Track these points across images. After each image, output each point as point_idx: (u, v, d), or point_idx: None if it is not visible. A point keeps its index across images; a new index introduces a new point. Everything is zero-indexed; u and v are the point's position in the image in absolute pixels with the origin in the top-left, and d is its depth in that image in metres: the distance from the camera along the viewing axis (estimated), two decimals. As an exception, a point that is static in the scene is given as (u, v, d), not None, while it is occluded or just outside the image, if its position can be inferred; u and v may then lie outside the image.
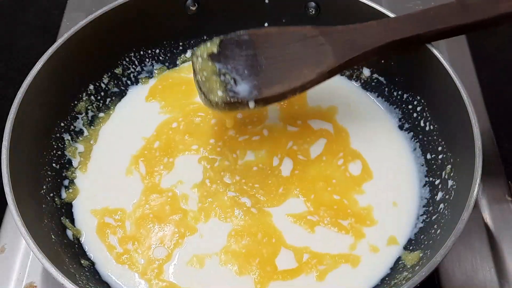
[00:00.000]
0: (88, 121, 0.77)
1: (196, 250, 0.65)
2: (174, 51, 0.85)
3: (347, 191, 0.70)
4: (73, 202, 0.70)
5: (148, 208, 0.69)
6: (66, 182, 0.72)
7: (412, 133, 0.75)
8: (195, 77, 0.66)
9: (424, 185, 0.70)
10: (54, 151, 0.71)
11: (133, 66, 0.82)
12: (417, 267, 0.58)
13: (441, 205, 0.65)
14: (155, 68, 0.84)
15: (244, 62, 0.66)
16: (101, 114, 0.79)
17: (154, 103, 0.80)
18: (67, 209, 0.69)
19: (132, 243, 0.66)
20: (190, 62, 0.83)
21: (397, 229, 0.67)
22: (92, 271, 0.64)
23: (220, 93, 0.63)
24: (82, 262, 0.64)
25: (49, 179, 0.69)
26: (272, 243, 0.66)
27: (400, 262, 0.64)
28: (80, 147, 0.75)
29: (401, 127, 0.77)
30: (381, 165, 0.73)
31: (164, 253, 0.65)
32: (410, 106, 0.75)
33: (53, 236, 0.63)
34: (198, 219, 0.68)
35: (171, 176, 0.72)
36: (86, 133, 0.77)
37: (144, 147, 0.75)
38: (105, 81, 0.79)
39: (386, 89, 0.79)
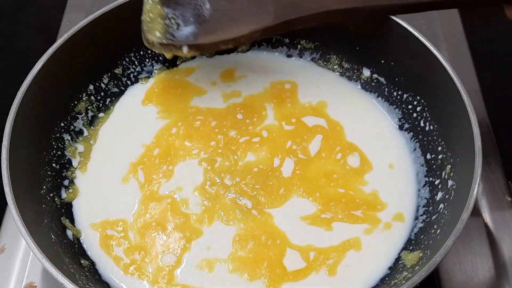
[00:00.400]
0: (88, 121, 0.77)
1: (204, 256, 0.65)
2: (174, 51, 0.84)
3: (350, 183, 0.71)
4: (73, 202, 0.70)
5: (150, 217, 0.68)
6: (66, 182, 0.72)
7: (412, 133, 0.75)
8: (142, 16, 0.69)
9: (424, 185, 0.70)
10: (54, 151, 0.71)
11: (133, 66, 0.82)
12: (417, 267, 0.58)
13: (441, 205, 0.65)
14: (155, 68, 0.84)
15: (192, 11, 0.69)
16: (101, 114, 0.79)
17: (151, 106, 0.79)
18: (67, 209, 0.69)
19: (139, 253, 0.65)
20: (190, 62, 0.85)
21: (401, 204, 0.69)
22: (92, 271, 0.64)
23: (158, 34, 0.67)
24: (82, 262, 0.64)
25: (49, 179, 0.69)
26: (277, 244, 0.65)
27: (400, 262, 0.64)
28: (80, 147, 0.75)
29: (401, 127, 0.77)
30: (379, 157, 0.73)
31: (173, 259, 0.65)
32: (410, 106, 0.75)
33: (53, 236, 0.63)
34: (201, 222, 0.67)
35: (170, 183, 0.71)
36: (86, 133, 0.76)
37: (144, 154, 0.74)
38: (105, 81, 0.79)
39: (386, 89, 0.79)
